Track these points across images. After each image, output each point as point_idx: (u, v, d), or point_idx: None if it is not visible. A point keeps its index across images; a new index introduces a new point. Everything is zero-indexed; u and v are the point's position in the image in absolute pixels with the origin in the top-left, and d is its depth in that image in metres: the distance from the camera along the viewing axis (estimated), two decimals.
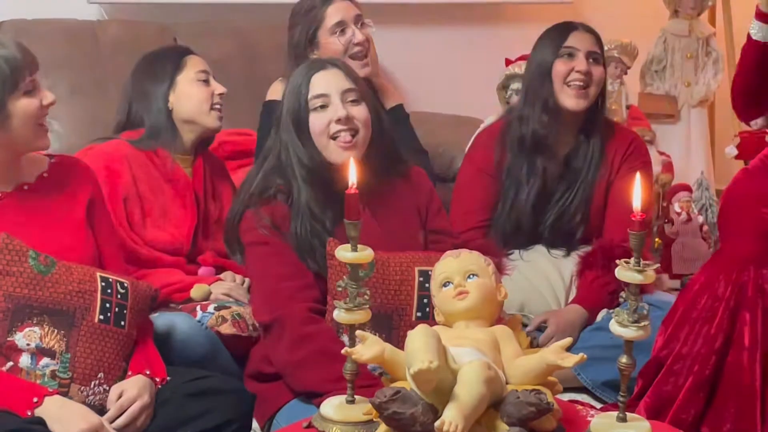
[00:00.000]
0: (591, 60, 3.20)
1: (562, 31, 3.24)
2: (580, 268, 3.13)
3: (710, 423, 2.59)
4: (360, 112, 2.63)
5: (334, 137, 2.61)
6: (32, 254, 2.38)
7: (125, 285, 2.46)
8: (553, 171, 3.22)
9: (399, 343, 2.22)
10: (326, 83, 2.63)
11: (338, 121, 2.60)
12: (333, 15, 3.38)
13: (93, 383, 2.38)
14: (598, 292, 3.06)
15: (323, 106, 2.61)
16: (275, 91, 3.39)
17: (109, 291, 2.42)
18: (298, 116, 2.62)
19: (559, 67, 3.18)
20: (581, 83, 3.17)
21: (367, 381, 2.31)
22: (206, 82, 3.08)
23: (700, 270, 2.77)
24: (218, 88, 3.10)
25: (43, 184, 2.53)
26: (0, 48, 2.39)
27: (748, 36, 2.71)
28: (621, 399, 2.07)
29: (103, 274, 2.45)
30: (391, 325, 2.53)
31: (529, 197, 3.20)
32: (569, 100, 3.18)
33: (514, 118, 3.25)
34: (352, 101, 2.63)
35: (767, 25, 2.66)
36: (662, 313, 2.78)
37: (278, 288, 2.56)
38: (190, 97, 3.05)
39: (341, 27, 3.37)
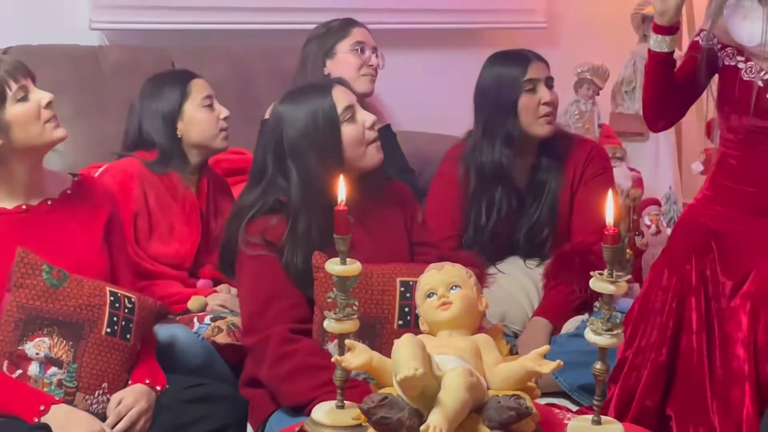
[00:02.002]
0: (550, 87, 3.20)
1: (519, 63, 3.20)
2: (544, 278, 3.14)
3: (673, 404, 2.62)
4: None
5: (370, 143, 2.60)
6: (46, 268, 2.38)
7: (133, 300, 2.46)
8: (516, 194, 3.22)
9: (381, 350, 2.21)
10: (348, 96, 2.61)
11: (371, 127, 2.60)
12: (357, 35, 3.44)
13: (97, 392, 2.38)
14: (559, 301, 3.06)
15: (353, 117, 2.59)
16: None
17: (117, 305, 2.42)
18: (327, 134, 2.55)
19: (526, 101, 3.17)
20: (550, 112, 3.18)
21: (351, 383, 2.29)
22: (211, 106, 3.07)
23: (650, 269, 2.80)
24: (223, 112, 3.09)
25: (66, 201, 2.53)
26: None
27: (649, 50, 2.74)
28: (596, 403, 2.08)
29: (113, 289, 2.44)
30: (374, 333, 2.52)
31: (488, 223, 3.21)
32: (541, 129, 3.19)
33: (472, 148, 3.24)
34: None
35: (662, 36, 2.70)
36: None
37: (264, 309, 2.53)
38: (199, 123, 3.05)
39: (361, 47, 3.42)
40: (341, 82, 2.67)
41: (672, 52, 2.75)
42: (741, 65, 2.73)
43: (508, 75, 3.19)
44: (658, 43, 2.72)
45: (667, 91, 2.81)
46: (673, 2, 2.66)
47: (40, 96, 2.42)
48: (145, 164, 2.99)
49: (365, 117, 2.60)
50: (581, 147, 3.31)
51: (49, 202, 2.51)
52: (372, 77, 3.44)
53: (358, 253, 2.55)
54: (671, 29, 2.71)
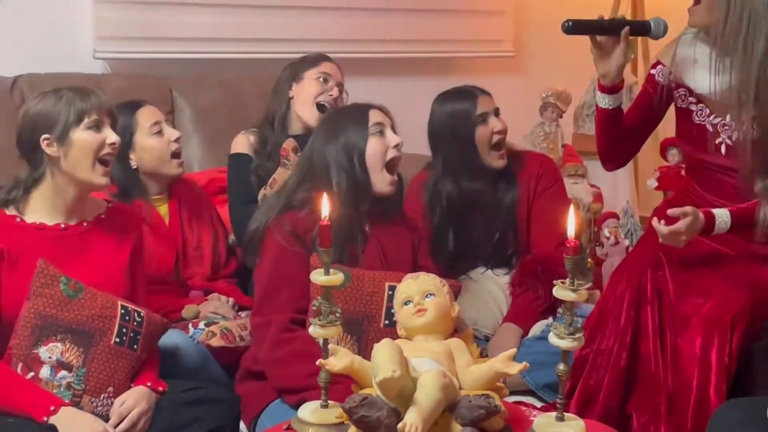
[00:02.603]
0: (498, 117, 3.20)
1: (468, 99, 3.19)
2: (511, 287, 3.15)
3: (634, 404, 2.62)
4: None
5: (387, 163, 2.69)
6: (63, 279, 2.39)
7: (141, 315, 2.47)
8: (479, 215, 3.22)
9: (368, 345, 2.23)
10: (380, 116, 2.71)
11: (396, 146, 2.69)
12: (325, 67, 3.38)
13: (103, 396, 2.38)
14: (526, 307, 3.06)
15: (381, 132, 2.69)
16: (239, 144, 3.36)
17: (127, 318, 2.43)
18: (357, 149, 2.66)
19: (481, 133, 3.16)
20: (502, 142, 3.18)
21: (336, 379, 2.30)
22: (160, 132, 3.00)
23: (609, 278, 2.80)
24: (173, 134, 3.02)
25: (99, 224, 2.54)
26: (78, 89, 2.46)
27: (596, 106, 2.76)
28: (559, 401, 2.10)
29: (124, 303, 2.45)
30: (361, 330, 2.54)
31: (457, 246, 3.21)
32: (496, 161, 3.19)
33: (434, 182, 3.22)
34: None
35: (608, 95, 2.71)
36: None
37: (273, 293, 2.58)
38: (150, 150, 2.98)
39: (326, 77, 3.37)
40: (376, 105, 2.76)
41: (618, 107, 2.75)
42: (692, 107, 2.73)
43: (460, 111, 3.18)
44: (604, 100, 2.74)
45: (617, 141, 2.83)
46: (614, 65, 2.66)
47: (108, 134, 2.46)
48: (111, 196, 2.89)
49: (392, 137, 2.70)
50: (532, 162, 3.30)
51: (85, 224, 2.52)
52: (326, 109, 3.34)
53: (369, 260, 2.63)
54: (614, 89, 2.71)
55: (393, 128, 2.74)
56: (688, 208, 2.50)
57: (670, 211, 2.50)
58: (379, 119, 2.70)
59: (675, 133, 2.87)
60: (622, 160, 2.95)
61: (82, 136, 2.43)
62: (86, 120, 2.43)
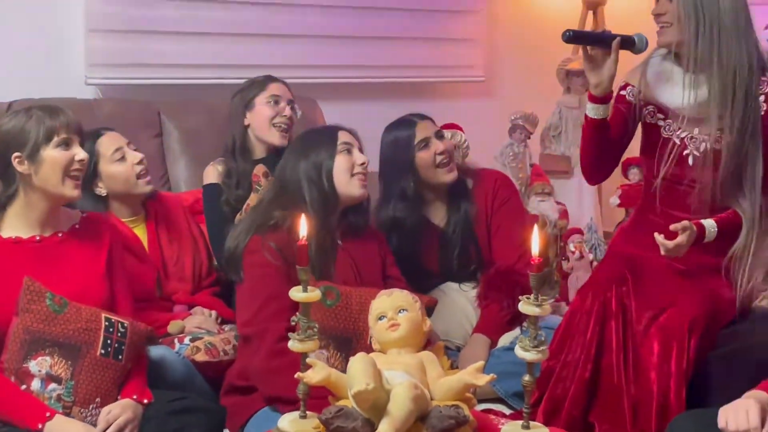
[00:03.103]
0: (440, 139, 3.20)
1: (408, 127, 3.20)
2: (477, 299, 3.14)
3: (596, 414, 2.62)
4: None
5: (355, 174, 2.71)
6: (49, 295, 2.37)
7: (125, 325, 2.45)
8: (438, 233, 3.23)
9: None
10: (348, 137, 2.75)
11: (362, 164, 2.72)
12: (273, 89, 3.36)
13: (91, 406, 2.36)
14: (493, 318, 3.06)
15: (349, 151, 2.72)
16: (210, 175, 3.33)
17: (111, 329, 2.41)
18: (325, 161, 2.69)
19: (423, 157, 3.16)
20: (447, 160, 3.18)
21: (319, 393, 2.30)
22: (123, 158, 2.96)
23: (576, 293, 2.81)
24: (135, 157, 2.98)
25: (74, 234, 2.52)
26: (47, 107, 2.43)
27: (585, 116, 2.75)
28: (525, 410, 2.10)
29: (107, 315, 2.43)
30: (350, 346, 2.54)
31: (418, 266, 3.20)
32: (445, 176, 3.19)
33: (377, 209, 3.21)
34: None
35: (597, 104, 2.70)
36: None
37: (265, 306, 2.56)
38: (115, 177, 2.95)
39: (276, 99, 3.35)
40: (346, 128, 2.79)
41: (606, 118, 2.74)
42: (660, 123, 2.75)
43: (400, 139, 3.19)
44: (594, 110, 2.72)
45: (604, 152, 2.81)
46: (606, 75, 2.65)
47: (77, 151, 2.44)
48: None
49: (359, 156, 2.73)
50: (486, 178, 3.29)
51: (60, 235, 2.50)
52: (284, 128, 3.32)
53: (341, 273, 2.63)
54: (605, 98, 2.70)
55: (361, 149, 2.76)
56: (686, 223, 2.54)
57: (672, 227, 2.53)
58: (347, 139, 2.74)
59: (639, 150, 2.88)
60: (604, 173, 2.94)
61: (51, 154, 2.41)
62: (56, 138, 2.41)
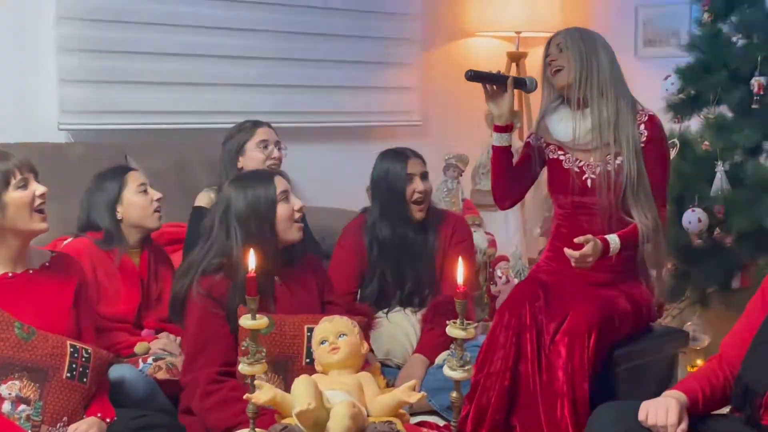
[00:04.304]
0: (424, 179, 3.23)
1: (401, 160, 3.23)
2: (422, 322, 3.15)
3: (517, 417, 2.66)
4: None
5: (296, 221, 2.64)
6: (17, 324, 2.33)
7: (89, 351, 2.41)
8: (405, 259, 3.24)
9: (293, 381, 2.18)
10: (285, 184, 2.66)
11: (299, 209, 2.65)
12: (260, 134, 3.36)
13: (59, 425, 2.31)
14: (434, 341, 3.07)
15: (287, 199, 2.63)
16: (201, 199, 3.35)
17: (75, 355, 2.37)
18: (265, 210, 2.58)
19: (407, 189, 3.19)
20: (422, 200, 3.20)
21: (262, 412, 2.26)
22: (145, 192, 3.01)
23: (496, 311, 2.85)
24: (156, 195, 3.03)
25: (44, 272, 2.47)
26: None
27: (492, 145, 2.87)
28: (453, 423, 2.10)
29: (72, 342, 2.39)
30: (286, 368, 2.52)
31: (382, 284, 3.23)
32: (417, 214, 3.22)
33: (372, 225, 3.25)
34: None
35: (501, 133, 2.85)
36: None
37: (199, 352, 2.52)
38: (135, 206, 2.97)
39: (264, 144, 3.35)
40: (281, 173, 2.73)
41: (509, 146, 2.86)
42: (561, 157, 2.88)
43: (394, 169, 3.21)
44: (499, 139, 2.86)
45: (508, 177, 2.92)
46: (505, 108, 2.80)
47: (36, 187, 2.39)
48: (95, 243, 2.92)
49: (295, 201, 2.65)
50: (448, 221, 3.33)
51: (30, 272, 2.45)
52: (275, 167, 3.32)
53: (281, 306, 2.59)
54: (507, 128, 2.84)
55: (292, 192, 2.71)
56: (589, 236, 2.61)
57: (576, 240, 2.60)
58: (284, 187, 2.66)
59: (547, 187, 2.95)
60: (513, 198, 3.03)
61: (13, 196, 2.36)
62: (13, 181, 2.36)
